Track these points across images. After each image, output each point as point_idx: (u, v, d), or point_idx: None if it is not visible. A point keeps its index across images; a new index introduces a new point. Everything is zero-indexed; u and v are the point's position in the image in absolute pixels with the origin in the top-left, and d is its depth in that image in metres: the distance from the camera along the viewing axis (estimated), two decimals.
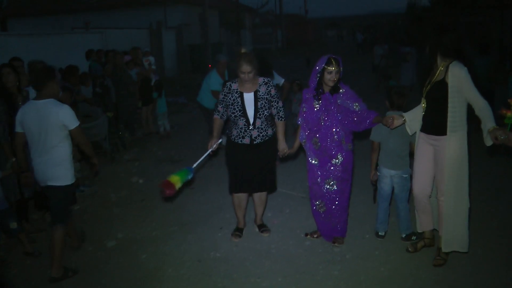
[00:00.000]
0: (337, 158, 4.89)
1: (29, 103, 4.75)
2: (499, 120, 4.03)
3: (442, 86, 4.28)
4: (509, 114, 3.89)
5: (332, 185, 4.96)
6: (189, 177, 4.91)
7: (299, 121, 5.10)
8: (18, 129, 4.70)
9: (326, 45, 46.31)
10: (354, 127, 4.84)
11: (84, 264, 4.99)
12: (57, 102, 4.63)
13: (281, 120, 5.17)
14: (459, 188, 4.37)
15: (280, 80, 7.77)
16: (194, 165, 5.00)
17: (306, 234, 5.32)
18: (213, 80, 8.16)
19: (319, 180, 5.00)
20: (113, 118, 8.90)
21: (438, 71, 4.34)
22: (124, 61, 9.84)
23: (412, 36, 23.48)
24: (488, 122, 4.08)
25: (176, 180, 4.74)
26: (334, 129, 4.85)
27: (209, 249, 5.15)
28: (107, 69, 9.78)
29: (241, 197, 5.39)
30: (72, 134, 4.68)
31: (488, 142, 4.13)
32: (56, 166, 4.62)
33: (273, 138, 5.21)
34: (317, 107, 4.90)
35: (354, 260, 4.80)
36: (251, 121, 5.01)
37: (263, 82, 5.08)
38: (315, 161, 5.01)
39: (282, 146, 5.16)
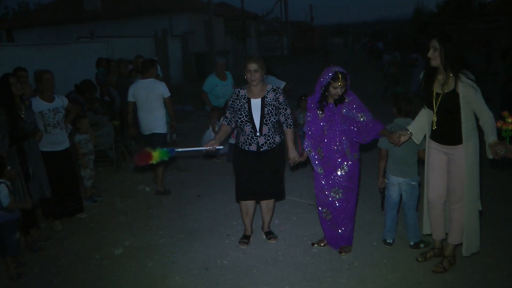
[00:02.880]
0: (342, 168, 4.87)
1: (138, 81, 7.09)
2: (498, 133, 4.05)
3: (454, 97, 4.23)
4: (504, 127, 3.90)
5: (338, 194, 4.94)
6: (168, 157, 4.88)
7: (306, 129, 5.09)
8: (131, 99, 7.01)
9: (331, 53, 46.25)
10: (359, 138, 4.80)
11: (91, 272, 4.98)
12: (156, 80, 7.09)
13: (289, 127, 5.15)
14: (475, 193, 4.38)
15: (281, 84, 7.80)
16: (179, 149, 5.00)
17: (313, 244, 5.29)
18: (207, 81, 8.23)
19: (325, 188, 4.99)
20: (119, 126, 8.91)
21: (448, 81, 4.28)
22: (128, 69, 9.88)
23: (419, 43, 23.46)
24: (490, 136, 4.10)
25: (154, 155, 4.73)
26: (337, 140, 4.82)
27: (216, 257, 5.14)
28: (111, 79, 9.79)
29: (249, 204, 5.38)
30: (165, 101, 7.05)
31: (490, 154, 4.13)
32: (157, 121, 6.96)
33: (281, 146, 5.19)
34: (321, 117, 4.89)
35: (361, 268, 4.78)
36: (258, 127, 4.99)
37: (271, 89, 5.07)
38: (320, 170, 4.99)
39: (293, 154, 5.14)
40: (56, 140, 5.92)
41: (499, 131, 4.02)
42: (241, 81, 5.13)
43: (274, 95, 5.04)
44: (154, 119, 6.99)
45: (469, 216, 4.41)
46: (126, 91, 8.82)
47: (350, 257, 4.99)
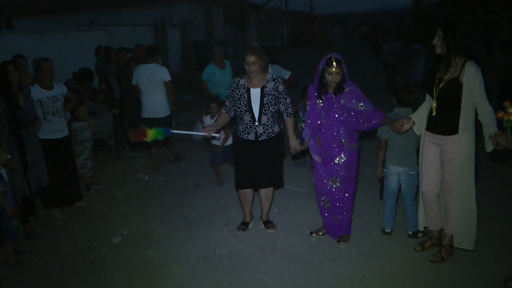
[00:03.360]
0: (340, 158, 4.86)
1: (141, 66, 7.53)
2: (499, 123, 4.04)
3: (456, 85, 4.21)
4: (506, 117, 3.90)
5: (336, 183, 4.94)
6: (162, 137, 4.89)
7: (305, 118, 5.08)
8: (134, 82, 7.47)
9: (331, 43, 46.10)
10: (359, 127, 4.79)
11: (90, 260, 4.99)
12: (158, 65, 7.45)
13: (290, 116, 5.15)
14: (468, 187, 4.35)
15: (286, 74, 7.76)
16: (174, 131, 5.04)
17: (311, 233, 5.29)
18: (205, 70, 8.21)
19: (323, 177, 4.99)
20: (118, 115, 8.89)
21: (452, 68, 4.26)
22: (128, 58, 9.84)
23: (421, 33, 23.41)
24: (490, 127, 4.09)
25: (149, 133, 4.74)
26: (335, 130, 4.80)
27: (214, 246, 5.14)
28: (110, 67, 9.75)
29: (247, 192, 5.40)
30: (166, 85, 7.35)
31: (489, 148, 4.14)
32: (159, 106, 7.35)
33: (280, 135, 5.19)
34: (320, 106, 4.87)
35: (360, 258, 4.78)
36: (257, 117, 5.00)
37: (271, 78, 5.07)
38: (318, 158, 4.99)
39: (293, 143, 5.15)
40: (55, 128, 5.90)
41: (499, 122, 4.01)
42: (240, 71, 5.11)
43: (274, 85, 5.03)
44: (155, 103, 7.36)
45: (459, 209, 4.41)
46: (125, 80, 8.82)
47: (348, 247, 4.99)
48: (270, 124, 5.05)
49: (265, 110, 4.99)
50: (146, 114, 7.44)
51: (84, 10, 24.81)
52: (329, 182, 4.96)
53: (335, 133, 4.80)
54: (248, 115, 5.01)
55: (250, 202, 5.48)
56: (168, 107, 7.59)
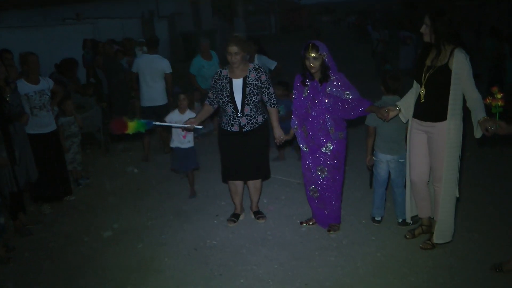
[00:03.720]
0: (327, 147, 4.85)
1: (143, 55, 8.09)
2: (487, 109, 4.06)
3: (445, 72, 4.22)
4: (494, 103, 3.91)
5: (323, 172, 4.94)
6: (144, 129, 4.91)
7: (292, 107, 5.07)
8: (134, 70, 7.80)
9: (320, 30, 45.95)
10: (345, 115, 4.79)
11: (80, 254, 4.98)
12: (160, 56, 7.86)
13: (273, 106, 5.13)
14: (454, 173, 4.38)
15: (272, 64, 7.74)
16: (156, 123, 5.00)
17: (301, 223, 5.30)
18: (193, 63, 8.19)
19: (310, 166, 4.99)
20: (107, 108, 8.85)
21: (441, 56, 4.26)
22: (115, 50, 9.80)
23: (411, 20, 23.42)
24: (479, 114, 4.09)
25: (130, 125, 4.74)
26: (321, 118, 4.80)
27: (205, 237, 5.14)
28: (97, 61, 9.69)
29: (237, 184, 5.40)
30: (166, 77, 7.74)
31: (478, 134, 4.14)
32: (158, 94, 7.68)
33: (264, 126, 5.18)
34: (306, 94, 4.87)
35: (350, 246, 4.80)
36: (239, 108, 4.98)
37: (253, 68, 5.04)
38: (305, 148, 5.00)
39: (278, 133, 5.13)
40: (42, 122, 5.87)
41: (488, 108, 4.02)
42: (227, 62, 5.08)
43: (256, 75, 5.00)
44: (154, 91, 7.70)
45: (445, 201, 4.43)
46: (113, 73, 8.79)
47: (338, 236, 5.01)
48: (253, 114, 5.04)
49: (248, 101, 4.97)
50: (145, 102, 7.76)
51: (70, 3, 24.54)
52: (317, 172, 4.96)
53: (321, 121, 4.80)
54: (230, 106, 4.99)
55: (240, 193, 5.47)
56: (166, 96, 7.84)
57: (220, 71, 5.11)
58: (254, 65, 5.11)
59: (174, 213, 5.83)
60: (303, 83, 4.89)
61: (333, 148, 4.85)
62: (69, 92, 7.65)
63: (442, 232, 4.52)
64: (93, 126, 8.21)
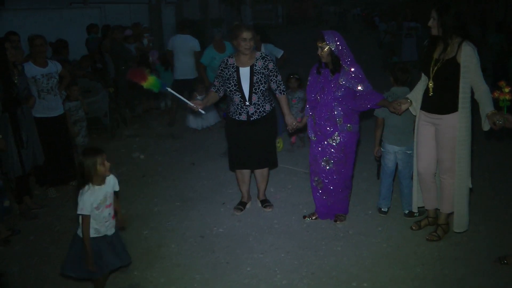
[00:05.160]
0: (333, 138, 4.83)
1: (177, 35, 9.17)
2: (495, 103, 4.05)
3: (453, 65, 4.20)
4: (502, 96, 3.91)
5: (328, 164, 4.92)
6: (158, 89, 4.78)
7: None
8: (169, 48, 9.10)
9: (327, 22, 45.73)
10: (355, 106, 4.79)
11: None
12: (190, 36, 9.03)
13: (283, 93, 5.11)
14: (466, 165, 4.38)
15: (279, 53, 7.69)
16: (169, 89, 4.87)
17: (304, 217, 5.24)
18: (205, 53, 8.15)
19: (317, 156, 4.98)
20: (113, 93, 8.83)
21: (449, 49, 4.24)
22: (125, 35, 9.77)
23: (417, 12, 23.29)
24: (486, 107, 4.10)
25: (149, 79, 4.60)
26: (329, 108, 4.78)
27: (211, 225, 5.14)
28: (105, 45, 9.65)
29: (244, 172, 5.38)
30: (194, 54, 8.78)
31: (486, 126, 4.15)
32: (188, 69, 8.90)
33: (272, 114, 5.16)
34: (318, 82, 4.89)
35: (356, 236, 4.80)
36: (247, 96, 4.95)
37: (260, 56, 5.02)
38: (313, 137, 5.00)
39: (290, 120, 5.12)
40: (50, 106, 5.85)
41: (495, 102, 4.01)
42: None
43: (263, 63, 4.98)
44: (186, 66, 8.93)
45: (459, 192, 4.44)
46: (121, 58, 8.77)
47: (345, 226, 5.01)
48: (261, 103, 5.02)
49: (255, 89, 4.94)
50: (178, 76, 9.02)
51: None
52: (323, 163, 4.94)
53: (329, 111, 4.79)
54: (238, 95, 4.96)
55: (247, 182, 5.46)
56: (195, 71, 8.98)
57: (227, 60, 5.07)
58: (261, 53, 5.09)
59: (180, 200, 5.83)
60: (318, 71, 4.91)
61: (340, 141, 4.83)
62: (75, 76, 7.61)
63: (460, 222, 4.54)
64: (100, 111, 8.19)
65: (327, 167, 4.93)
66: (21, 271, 4.46)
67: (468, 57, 4.15)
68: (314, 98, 4.92)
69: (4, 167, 5.02)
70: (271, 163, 5.43)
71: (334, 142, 4.84)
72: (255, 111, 5.01)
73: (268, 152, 5.29)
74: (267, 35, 7.87)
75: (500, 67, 10.54)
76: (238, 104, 5.00)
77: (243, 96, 4.95)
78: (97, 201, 3.58)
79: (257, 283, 4.09)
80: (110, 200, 3.72)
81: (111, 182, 3.75)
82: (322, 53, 4.71)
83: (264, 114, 5.07)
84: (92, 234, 3.62)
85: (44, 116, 5.82)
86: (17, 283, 4.28)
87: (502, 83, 3.95)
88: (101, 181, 3.63)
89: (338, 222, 5.05)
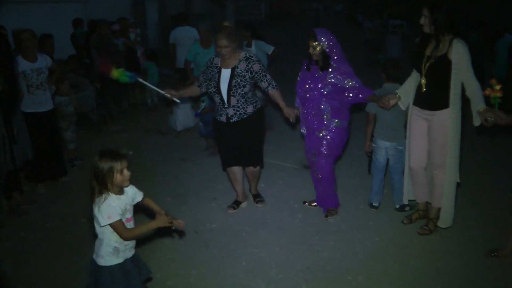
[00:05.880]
0: (321, 133, 4.87)
1: (177, 28, 9.25)
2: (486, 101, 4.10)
3: (445, 62, 4.25)
4: (493, 94, 3.95)
5: (314, 156, 5.00)
6: (126, 81, 4.73)
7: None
8: (171, 41, 9.19)
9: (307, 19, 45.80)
10: (344, 99, 4.81)
11: (78, 235, 4.94)
12: (191, 27, 9.26)
13: (275, 89, 4.97)
14: (455, 160, 4.45)
15: (270, 49, 7.69)
16: (140, 79, 4.86)
17: (304, 202, 5.39)
18: (190, 49, 8.09)
19: (309, 149, 5.07)
20: (100, 89, 8.76)
21: (440, 46, 4.29)
22: (112, 30, 9.69)
23: (404, 9, 23.46)
24: (478, 103, 4.15)
25: (114, 72, 4.58)
26: (316, 103, 4.83)
27: (204, 220, 5.15)
28: (93, 40, 9.56)
29: (235, 170, 5.34)
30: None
31: (477, 122, 4.21)
32: None
33: (255, 116, 5.01)
34: (308, 78, 4.91)
35: (349, 231, 4.85)
36: (225, 99, 4.86)
37: (244, 57, 4.88)
38: (303, 130, 5.10)
39: (288, 112, 4.97)
40: (39, 101, 5.77)
41: (487, 100, 4.06)
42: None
43: (247, 65, 4.85)
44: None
45: (448, 186, 4.51)
46: (107, 53, 8.68)
47: (337, 220, 5.05)
48: (241, 105, 4.89)
49: (233, 93, 4.82)
50: (181, 65, 8.78)
51: None
52: (312, 155, 5.04)
53: (316, 107, 4.84)
54: (217, 97, 4.90)
55: (240, 180, 5.41)
56: None
57: (213, 59, 5.05)
58: (246, 54, 4.95)
59: (171, 196, 5.82)
60: (308, 68, 4.93)
61: (326, 135, 4.87)
62: (63, 72, 7.53)
63: (446, 217, 4.62)
64: (87, 107, 8.13)
65: (313, 159, 5.00)
66: (14, 268, 4.42)
67: (459, 54, 4.20)
68: (303, 94, 4.96)
69: None
70: (255, 163, 5.30)
71: (321, 136, 4.89)
72: (235, 113, 4.91)
73: (253, 152, 5.20)
74: (257, 31, 7.84)
75: (477, 66, 10.64)
76: (218, 105, 4.97)
77: (221, 99, 4.88)
78: (119, 210, 3.14)
79: (254, 278, 4.11)
80: (130, 213, 3.27)
81: (130, 194, 3.32)
82: (314, 51, 4.73)
83: (245, 116, 4.93)
84: (111, 259, 3.15)
85: (33, 111, 5.73)
86: (11, 280, 4.23)
87: (493, 81, 4.00)
88: (119, 191, 3.19)
89: (329, 217, 5.09)
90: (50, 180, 6.19)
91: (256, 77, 4.90)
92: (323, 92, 4.77)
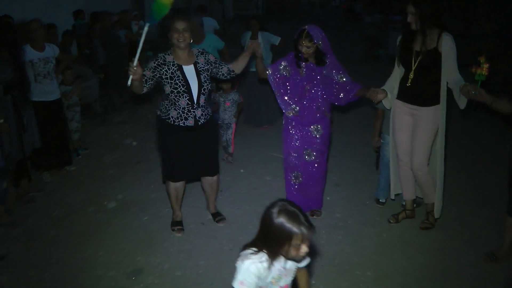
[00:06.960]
0: (318, 130, 4.81)
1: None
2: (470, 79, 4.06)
3: (435, 56, 4.27)
4: (478, 71, 3.94)
5: (311, 156, 4.86)
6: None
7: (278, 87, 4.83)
8: None
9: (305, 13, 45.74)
10: (336, 100, 4.75)
11: (86, 224, 4.97)
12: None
13: (231, 63, 4.67)
14: (441, 151, 4.53)
15: (277, 40, 7.73)
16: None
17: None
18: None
19: (298, 149, 4.86)
20: (103, 80, 8.75)
21: (428, 40, 4.28)
22: (112, 21, 9.65)
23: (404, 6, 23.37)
24: (459, 83, 4.14)
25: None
26: (319, 101, 4.73)
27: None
28: (95, 31, 9.53)
29: (180, 186, 4.80)
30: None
31: (462, 103, 4.22)
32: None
33: (212, 117, 4.76)
34: (302, 75, 4.70)
35: (356, 226, 4.88)
36: (195, 98, 4.38)
37: (199, 52, 4.55)
38: (292, 130, 4.87)
39: (250, 47, 4.58)
40: (46, 90, 5.78)
41: (471, 76, 4.01)
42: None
43: (204, 58, 4.52)
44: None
45: (440, 179, 4.57)
46: (110, 45, 8.66)
47: (344, 215, 5.08)
48: (205, 105, 4.54)
49: (204, 90, 4.42)
50: None
51: None
52: (305, 156, 4.87)
53: (319, 103, 4.74)
54: (186, 97, 4.33)
55: (181, 197, 4.93)
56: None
57: (164, 56, 4.40)
58: (198, 49, 4.62)
59: None
60: (297, 65, 4.72)
61: (323, 132, 4.82)
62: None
63: (438, 208, 4.69)
64: (90, 97, 8.12)
65: (309, 159, 4.86)
66: (24, 254, 4.45)
67: (449, 48, 4.23)
68: (300, 92, 4.74)
69: (5, 149, 4.95)
70: (217, 169, 4.95)
71: (318, 134, 4.82)
72: (202, 114, 4.48)
73: (214, 158, 4.87)
74: (263, 23, 7.92)
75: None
76: (184, 108, 4.38)
77: (191, 99, 4.36)
78: (268, 277, 2.51)
79: None
80: (286, 281, 2.61)
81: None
82: (307, 51, 4.57)
83: (208, 117, 4.59)
84: None
85: (40, 100, 5.74)
86: (20, 266, 4.26)
87: (482, 58, 3.95)
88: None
89: (315, 217, 5.03)
90: (56, 169, 6.19)
91: (215, 67, 4.58)
92: (324, 87, 4.73)
